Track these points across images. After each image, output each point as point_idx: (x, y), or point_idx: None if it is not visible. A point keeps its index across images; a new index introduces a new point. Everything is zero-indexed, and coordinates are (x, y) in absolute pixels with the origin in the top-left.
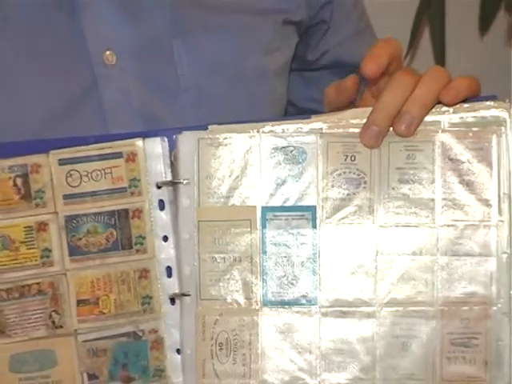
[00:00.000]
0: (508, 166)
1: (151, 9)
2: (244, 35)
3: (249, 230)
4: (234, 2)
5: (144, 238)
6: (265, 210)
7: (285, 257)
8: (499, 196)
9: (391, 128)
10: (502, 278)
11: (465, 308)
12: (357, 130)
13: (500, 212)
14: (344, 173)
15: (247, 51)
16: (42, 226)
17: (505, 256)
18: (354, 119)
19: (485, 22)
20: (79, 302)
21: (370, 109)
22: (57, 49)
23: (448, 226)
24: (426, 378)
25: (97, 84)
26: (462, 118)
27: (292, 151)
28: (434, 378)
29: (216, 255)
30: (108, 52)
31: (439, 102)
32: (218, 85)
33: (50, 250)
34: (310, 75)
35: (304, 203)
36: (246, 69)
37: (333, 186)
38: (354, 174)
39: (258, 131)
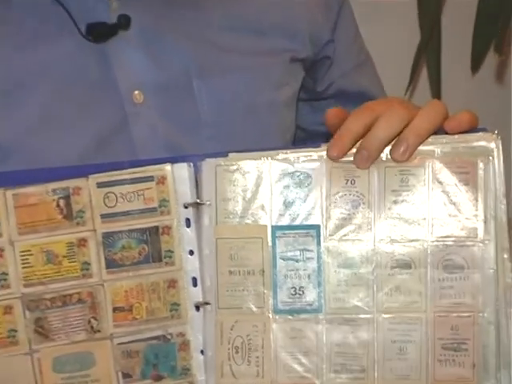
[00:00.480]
0: (495, 191)
1: (173, 51)
2: (256, 73)
3: (261, 246)
4: (247, 44)
5: (172, 252)
6: (274, 228)
7: (293, 270)
8: (486, 217)
9: (388, 154)
10: (488, 290)
11: (454, 316)
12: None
13: (487, 231)
14: (345, 195)
15: (259, 87)
16: (82, 242)
17: (491, 271)
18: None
19: (476, 62)
20: (115, 309)
21: None
22: (90, 89)
23: (438, 241)
24: (420, 379)
25: (127, 121)
26: (454, 147)
27: (299, 176)
28: (427, 378)
29: (232, 269)
30: (136, 92)
31: (436, 133)
32: (233, 119)
33: (89, 264)
34: (318, 104)
35: (309, 222)
36: (258, 103)
37: (335, 207)
38: (354, 195)
39: (271, 158)
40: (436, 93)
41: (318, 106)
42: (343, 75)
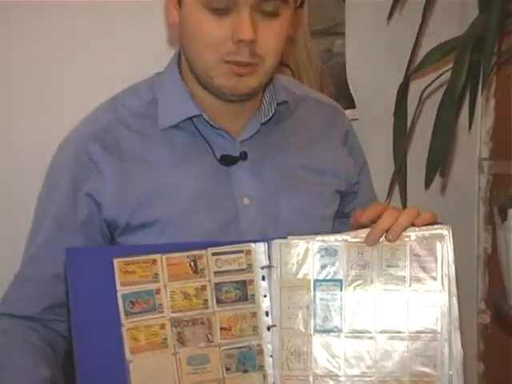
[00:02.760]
0: (447, 260)
1: (269, 176)
2: (316, 196)
3: (306, 291)
4: (311, 177)
5: (254, 295)
6: (315, 281)
7: (326, 306)
8: (442, 276)
9: (384, 238)
10: (444, 320)
11: (423, 336)
12: (363, 239)
13: (442, 284)
14: (357, 261)
15: (316, 205)
16: (203, 288)
17: (445, 308)
18: (363, 233)
19: (428, 182)
20: (221, 329)
21: (369, 229)
22: (218, 194)
23: (413, 290)
24: (403, 374)
25: (238, 216)
26: (422, 233)
27: (329, 250)
28: (407, 373)
29: (289, 305)
30: (245, 198)
31: (413, 224)
32: (300, 222)
33: (207, 300)
34: (345, 220)
35: (336, 277)
36: (315, 214)
37: (351, 269)
38: (363, 262)
39: (313, 239)
40: (403, 201)
41: (344, 222)
42: (361, 205)
